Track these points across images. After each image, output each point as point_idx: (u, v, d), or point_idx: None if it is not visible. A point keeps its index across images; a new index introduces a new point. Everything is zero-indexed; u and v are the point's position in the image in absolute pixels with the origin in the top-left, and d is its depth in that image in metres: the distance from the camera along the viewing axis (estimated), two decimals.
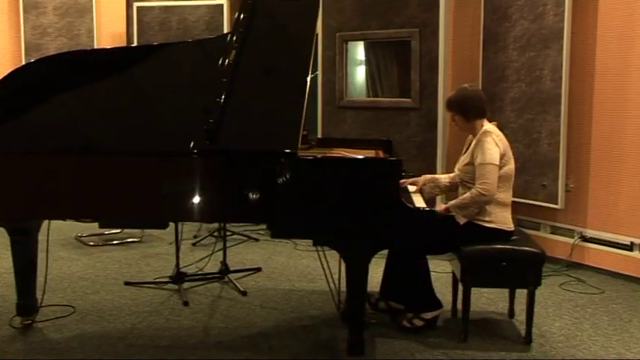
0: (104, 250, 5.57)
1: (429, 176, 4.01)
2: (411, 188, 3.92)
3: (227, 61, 3.52)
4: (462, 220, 3.56)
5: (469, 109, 3.69)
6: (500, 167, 3.59)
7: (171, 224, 4.34)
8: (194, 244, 5.68)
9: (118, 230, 6.01)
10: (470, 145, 3.75)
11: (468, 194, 3.61)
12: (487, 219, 3.62)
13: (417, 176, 4.14)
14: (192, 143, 3.28)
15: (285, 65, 3.54)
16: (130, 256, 5.38)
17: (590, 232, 5.01)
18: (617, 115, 4.81)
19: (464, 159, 3.74)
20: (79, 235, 5.93)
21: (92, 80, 3.64)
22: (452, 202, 3.63)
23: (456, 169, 3.82)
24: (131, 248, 5.64)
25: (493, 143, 3.58)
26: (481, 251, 3.57)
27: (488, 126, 3.71)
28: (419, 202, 3.67)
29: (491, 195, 3.56)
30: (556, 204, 5.03)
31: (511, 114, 5.23)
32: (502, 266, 3.55)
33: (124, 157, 3.32)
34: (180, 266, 4.62)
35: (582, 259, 5.06)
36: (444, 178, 3.97)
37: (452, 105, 3.75)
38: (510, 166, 3.66)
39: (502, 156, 3.61)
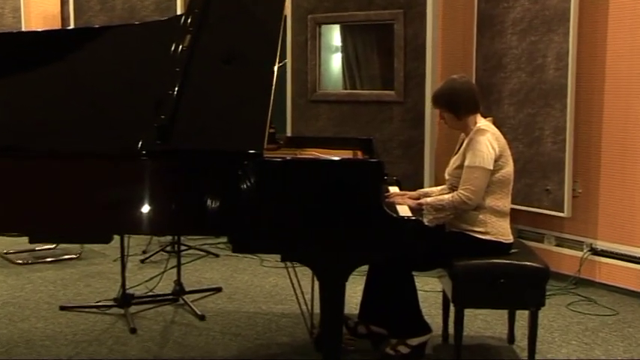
0: (35, 269, 5.55)
1: (422, 190, 4.05)
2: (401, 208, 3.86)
3: (181, 47, 3.53)
4: (430, 223, 3.59)
5: (459, 105, 3.73)
6: (497, 170, 3.65)
7: (116, 238, 4.36)
8: (143, 261, 5.68)
9: (52, 246, 5.98)
10: (462, 144, 3.80)
11: (447, 196, 3.66)
12: (482, 229, 3.68)
13: (400, 181, 4.20)
14: (140, 143, 3.29)
15: (248, 52, 3.56)
16: (66, 276, 5.36)
17: (601, 244, 5.10)
18: (631, 109, 4.89)
19: (454, 161, 3.78)
20: (5, 251, 5.89)
21: (18, 69, 3.62)
22: (428, 200, 3.69)
23: (445, 174, 3.86)
24: (68, 267, 5.62)
25: (487, 144, 3.62)
26: (475, 267, 3.62)
27: (482, 123, 3.76)
28: (404, 211, 3.71)
29: (474, 203, 3.62)
30: (562, 212, 5.11)
31: (510, 108, 5.31)
32: (500, 284, 3.59)
33: (58, 159, 3.32)
34: (127, 287, 4.62)
35: (592, 276, 5.15)
36: (436, 191, 4.00)
37: (439, 100, 3.79)
38: (508, 169, 3.71)
39: (498, 157, 3.65)
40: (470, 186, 3.60)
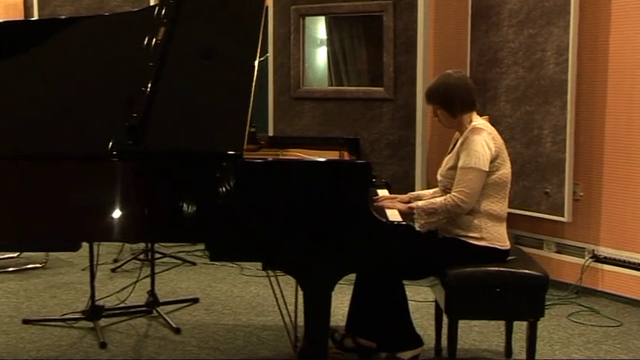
0: None
1: (413, 193, 4.07)
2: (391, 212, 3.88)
3: (155, 40, 3.54)
4: (421, 228, 3.61)
5: (454, 102, 3.75)
6: (493, 172, 3.67)
7: (85, 245, 4.35)
8: (114, 270, 5.68)
9: (15, 254, 5.96)
10: (456, 143, 3.82)
11: (440, 199, 3.68)
12: (477, 235, 3.70)
13: (389, 183, 4.21)
14: (110, 143, 3.29)
15: (227, 46, 3.57)
16: (30, 287, 5.35)
17: (604, 251, 5.13)
18: (636, 107, 4.92)
19: (447, 161, 3.80)
20: None
21: None
22: (419, 203, 3.71)
23: (438, 175, 3.88)
24: (32, 276, 5.60)
25: (483, 144, 3.64)
26: (470, 275, 3.64)
27: (478, 121, 3.78)
28: (393, 215, 3.72)
29: (469, 207, 3.64)
30: (562, 216, 5.14)
31: (506, 106, 5.34)
32: (496, 293, 3.61)
33: (21, 160, 3.32)
34: (96, 298, 4.61)
35: (595, 284, 5.18)
36: (428, 194, 4.02)
37: (433, 96, 3.82)
38: (505, 171, 3.73)
39: (495, 158, 3.67)
40: (464, 188, 3.62)
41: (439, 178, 3.86)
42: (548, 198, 5.17)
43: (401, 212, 3.69)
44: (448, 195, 3.65)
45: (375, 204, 3.74)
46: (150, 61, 3.47)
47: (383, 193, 4.15)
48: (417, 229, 3.56)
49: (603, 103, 5.06)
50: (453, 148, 3.83)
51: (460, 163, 3.66)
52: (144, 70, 3.43)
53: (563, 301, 5.06)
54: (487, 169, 3.64)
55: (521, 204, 5.25)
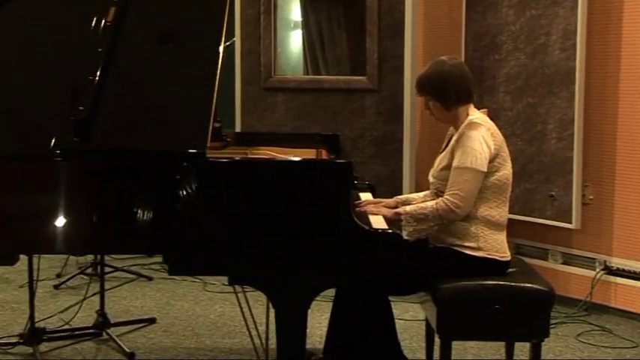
0: None
1: (401, 197, 4.08)
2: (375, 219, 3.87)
3: (104, 22, 3.53)
4: (409, 236, 3.62)
5: (448, 92, 3.75)
6: (492, 173, 3.66)
7: (23, 259, 4.33)
8: (57, 287, 5.65)
9: None
10: (450, 140, 3.83)
11: (431, 203, 3.68)
12: (473, 244, 3.70)
13: (373, 186, 4.22)
14: (53, 141, 3.28)
15: (187, 29, 3.57)
16: None
17: (617, 262, 5.15)
18: None
19: (441, 160, 3.80)
20: None
21: None
22: (407, 208, 3.71)
23: (430, 176, 3.89)
24: None
25: (480, 141, 3.64)
26: (465, 289, 3.63)
27: (475, 115, 3.79)
28: (378, 222, 3.73)
29: (463, 212, 3.64)
30: (569, 222, 5.16)
31: (506, 97, 5.37)
32: (495, 310, 3.61)
33: None
34: (36, 319, 4.58)
35: (607, 300, 5.21)
36: (417, 198, 4.02)
37: (424, 86, 3.82)
38: (506, 172, 3.73)
39: (494, 157, 3.67)
40: (458, 191, 3.62)
41: (431, 179, 3.86)
42: (554, 202, 5.20)
43: (386, 219, 3.70)
44: (440, 199, 3.66)
45: (357, 209, 3.74)
46: (98, 46, 3.46)
47: (366, 197, 4.16)
48: (405, 237, 3.57)
49: (616, 93, 5.08)
50: (446, 146, 3.83)
51: (455, 163, 3.66)
52: (92, 57, 3.42)
53: (570, 319, 5.08)
54: (485, 170, 3.64)
55: (523, 209, 5.28)
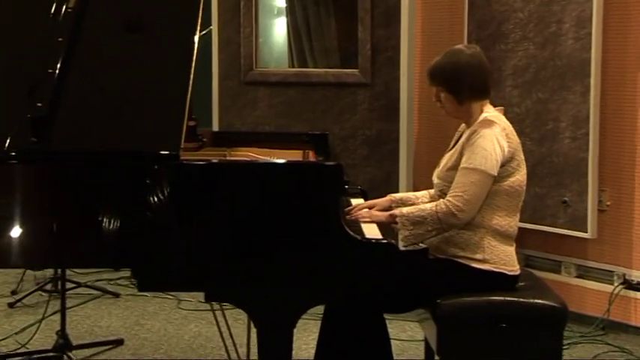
0: None
1: (396, 195, 4.07)
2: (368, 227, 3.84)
3: (65, 8, 3.52)
4: (404, 241, 3.59)
5: (462, 85, 3.72)
6: (505, 177, 3.63)
7: None
8: (12, 305, 5.62)
9: None
10: (460, 138, 3.81)
11: (430, 204, 3.66)
12: (479, 256, 3.68)
13: (365, 191, 4.21)
14: (7, 141, 3.27)
15: (159, 17, 3.57)
16: None
17: (637, 275, 5.14)
18: None
19: (448, 159, 3.77)
20: None
21: None
22: (403, 210, 3.69)
23: (434, 177, 3.87)
24: None
25: (494, 141, 3.61)
26: (469, 306, 3.63)
27: (490, 112, 3.76)
28: (371, 231, 3.72)
29: (466, 217, 3.61)
30: (584, 231, 5.16)
31: (513, 92, 5.37)
32: (501, 329, 3.60)
33: None
34: None
35: (627, 318, 5.21)
36: (415, 198, 4.02)
37: (437, 76, 3.78)
38: (519, 177, 3.69)
39: (508, 161, 3.63)
40: (462, 193, 3.59)
41: (435, 180, 3.82)
42: (567, 209, 5.20)
43: (381, 222, 3.68)
44: (441, 200, 3.63)
45: (348, 217, 3.73)
46: (59, 35, 3.45)
47: (357, 202, 4.13)
48: (400, 241, 3.56)
49: (634, 88, 5.08)
50: (455, 144, 3.81)
51: (462, 162, 3.63)
52: (51, 48, 3.41)
53: (586, 338, 5.08)
54: (495, 174, 3.60)
55: (533, 216, 5.27)
